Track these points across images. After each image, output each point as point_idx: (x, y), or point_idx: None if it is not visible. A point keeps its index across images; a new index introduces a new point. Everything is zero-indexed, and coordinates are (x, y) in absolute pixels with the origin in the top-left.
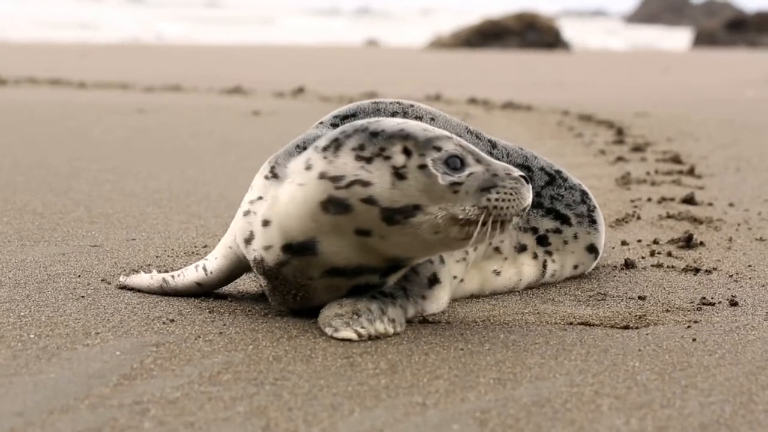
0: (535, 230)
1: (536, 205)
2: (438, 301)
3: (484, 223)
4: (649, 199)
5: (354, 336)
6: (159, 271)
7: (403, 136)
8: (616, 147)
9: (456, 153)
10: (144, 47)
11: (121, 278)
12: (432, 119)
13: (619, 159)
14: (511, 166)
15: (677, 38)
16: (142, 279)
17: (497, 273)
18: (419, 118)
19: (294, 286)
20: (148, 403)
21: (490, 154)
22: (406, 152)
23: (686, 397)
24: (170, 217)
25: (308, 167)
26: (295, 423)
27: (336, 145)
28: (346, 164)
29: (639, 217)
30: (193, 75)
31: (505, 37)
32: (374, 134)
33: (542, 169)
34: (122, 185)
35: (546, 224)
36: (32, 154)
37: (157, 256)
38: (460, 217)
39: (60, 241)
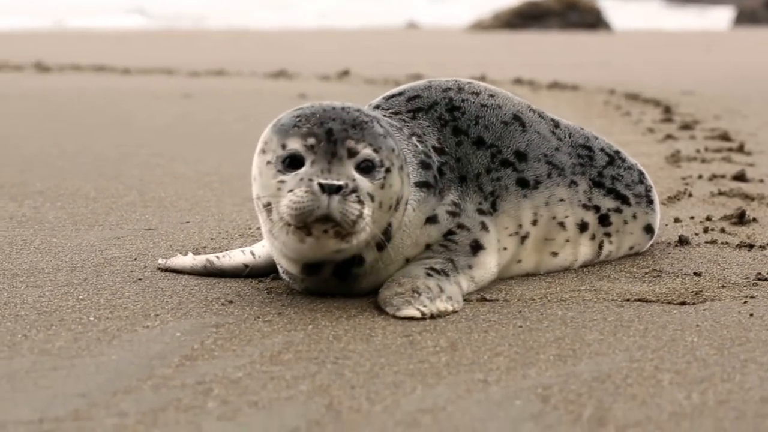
0: (597, 209)
1: (598, 184)
2: (485, 266)
3: (298, 228)
4: (700, 177)
5: (417, 314)
6: (196, 254)
7: (272, 131)
8: (664, 125)
9: (295, 153)
10: (185, 32)
11: (160, 261)
12: (491, 95)
13: (668, 137)
14: (330, 176)
15: (718, 17)
16: (184, 261)
17: (554, 254)
18: (476, 94)
19: None
20: (211, 383)
21: (553, 133)
22: (267, 148)
23: (746, 371)
24: (223, 200)
25: None
26: (358, 401)
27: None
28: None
29: (690, 195)
30: (235, 59)
31: (546, 18)
32: (272, 127)
33: (602, 149)
34: (172, 169)
35: (607, 203)
36: (79, 141)
37: (212, 239)
38: (273, 217)
39: (114, 225)
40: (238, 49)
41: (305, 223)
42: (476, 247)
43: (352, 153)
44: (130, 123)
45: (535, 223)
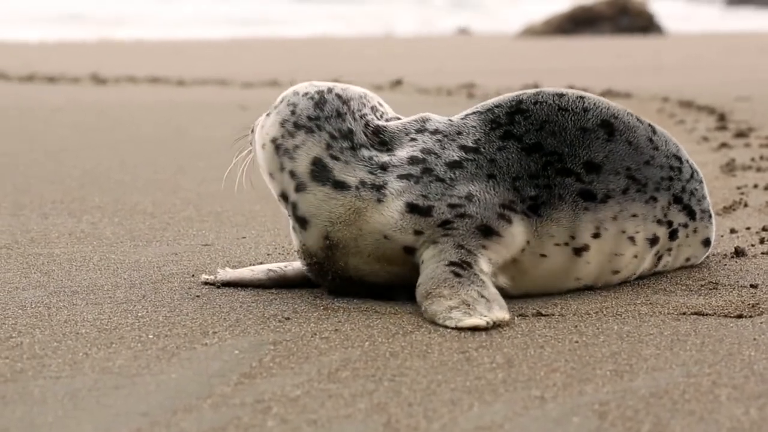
0: (670, 224)
1: (677, 200)
2: (499, 252)
3: None
4: (756, 186)
5: (482, 322)
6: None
7: None
8: (719, 133)
9: None
10: (237, 42)
11: (219, 276)
12: (580, 98)
13: (723, 145)
14: None
15: None
16: (242, 273)
17: (616, 272)
18: (560, 96)
19: None
20: (270, 402)
21: (650, 141)
22: None
23: None
24: (279, 214)
25: None
26: (416, 419)
27: None
28: None
29: (746, 204)
30: (289, 69)
31: (597, 23)
32: None
33: (687, 160)
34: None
35: (680, 218)
36: (138, 154)
37: (268, 254)
38: None
39: (172, 241)
40: (290, 58)
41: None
42: (487, 231)
43: None
44: (188, 135)
45: (597, 236)
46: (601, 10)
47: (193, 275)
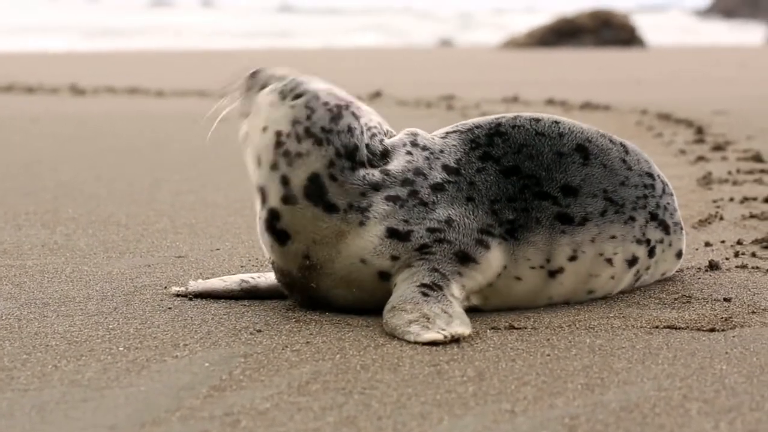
0: (648, 242)
1: (654, 216)
2: (475, 279)
3: None
4: (732, 199)
5: (440, 337)
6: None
7: None
8: (696, 146)
9: None
10: (215, 53)
11: (191, 287)
12: (555, 122)
13: (700, 158)
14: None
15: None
16: (214, 284)
17: (590, 292)
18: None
19: None
20: (239, 415)
21: (623, 162)
22: None
23: None
24: (253, 226)
25: None
26: None
27: None
28: None
29: (722, 218)
30: None
31: (580, 36)
32: None
33: (659, 176)
34: (204, 195)
35: (657, 235)
36: (114, 166)
37: (242, 266)
38: None
39: (145, 253)
40: None
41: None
42: (464, 258)
43: None
44: (165, 147)
45: (573, 259)
46: (583, 22)
47: (165, 287)
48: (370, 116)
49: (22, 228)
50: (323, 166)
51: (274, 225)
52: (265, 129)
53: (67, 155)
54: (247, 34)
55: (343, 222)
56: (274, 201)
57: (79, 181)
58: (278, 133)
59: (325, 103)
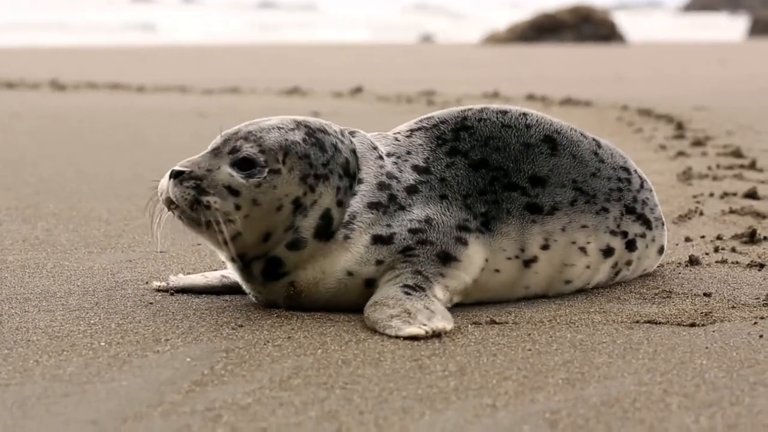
0: (625, 234)
1: (630, 210)
2: (458, 278)
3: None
4: (711, 195)
5: (421, 332)
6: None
7: None
8: (676, 142)
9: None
10: (199, 49)
11: (171, 282)
12: (523, 115)
13: (680, 154)
14: (187, 165)
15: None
16: (195, 279)
17: (568, 282)
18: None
19: None
20: (221, 409)
21: (595, 154)
22: None
23: (755, 394)
24: None
25: None
26: (366, 427)
27: None
28: None
29: (702, 213)
30: (250, 77)
31: (560, 31)
32: None
33: (636, 171)
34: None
35: (636, 229)
36: (95, 161)
37: (223, 262)
38: None
39: (126, 248)
40: (252, 66)
41: (168, 207)
42: (446, 258)
43: (233, 150)
44: (146, 142)
45: (546, 248)
46: (563, 18)
47: (147, 282)
48: (328, 122)
49: (3, 223)
50: (332, 198)
51: (269, 268)
52: (281, 201)
53: (48, 150)
54: (228, 31)
55: (333, 242)
56: (281, 251)
57: (60, 177)
58: (296, 200)
59: (305, 140)
